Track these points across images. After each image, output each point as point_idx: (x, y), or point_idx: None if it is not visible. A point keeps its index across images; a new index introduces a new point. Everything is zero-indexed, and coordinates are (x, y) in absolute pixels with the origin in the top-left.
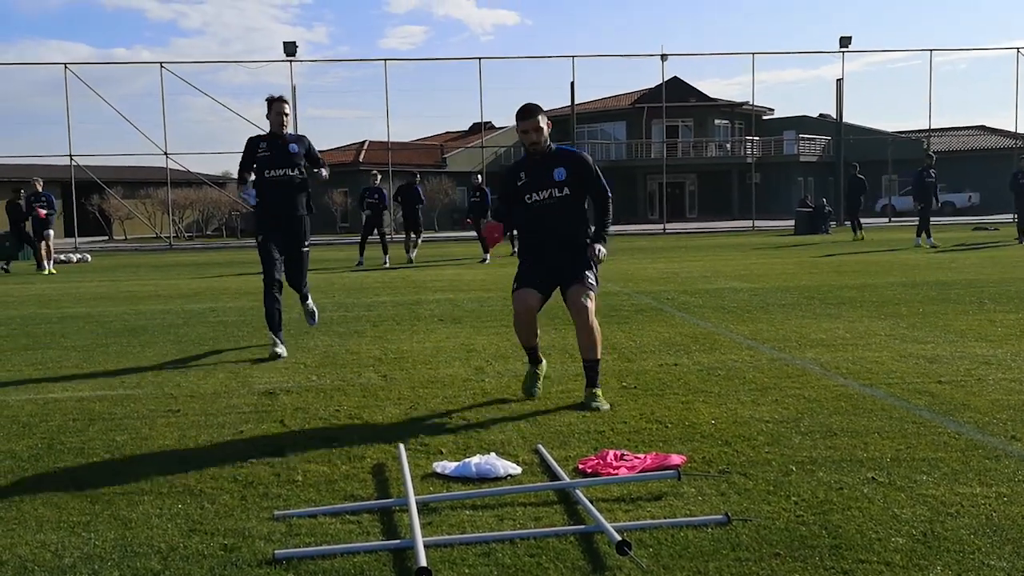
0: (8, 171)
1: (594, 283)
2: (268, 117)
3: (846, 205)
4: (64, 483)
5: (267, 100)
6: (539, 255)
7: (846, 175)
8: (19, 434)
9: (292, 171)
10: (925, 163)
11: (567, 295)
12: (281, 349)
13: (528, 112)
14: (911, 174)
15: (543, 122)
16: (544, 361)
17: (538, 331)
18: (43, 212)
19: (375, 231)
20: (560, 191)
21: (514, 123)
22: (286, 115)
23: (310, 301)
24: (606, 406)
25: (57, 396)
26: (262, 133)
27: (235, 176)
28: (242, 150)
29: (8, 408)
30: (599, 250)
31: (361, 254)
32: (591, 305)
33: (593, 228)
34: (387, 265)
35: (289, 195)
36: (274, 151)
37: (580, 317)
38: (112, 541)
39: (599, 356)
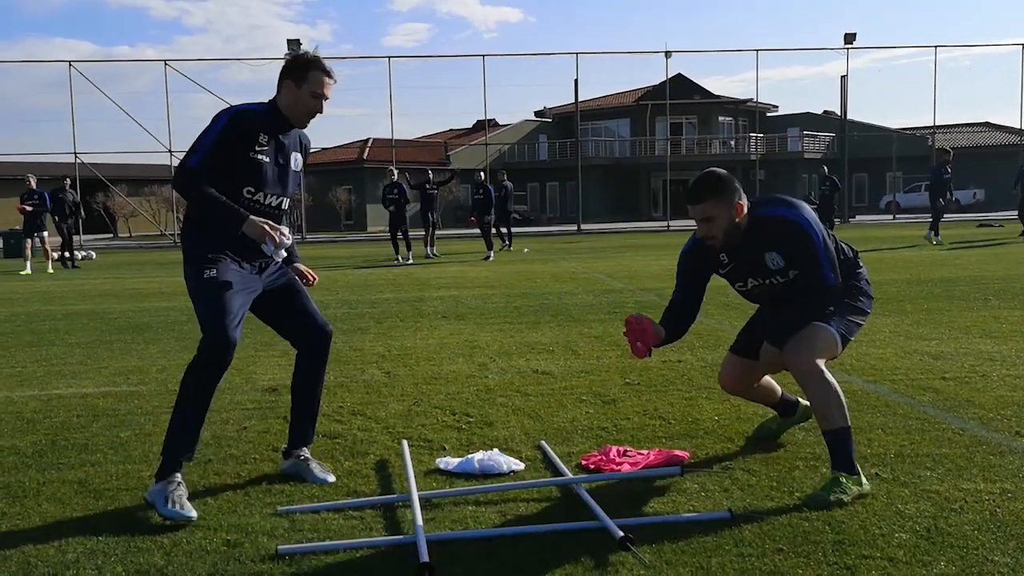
0: (13, 169)
1: (827, 327)
2: (289, 89)
3: (826, 208)
4: (68, 479)
5: (296, 60)
6: (759, 312)
7: (824, 179)
8: (23, 430)
9: (284, 199)
10: (942, 159)
11: (783, 350)
12: (190, 511)
13: (693, 194)
14: (929, 170)
15: (718, 207)
16: (800, 408)
17: (776, 389)
18: (28, 209)
19: (401, 227)
20: (783, 276)
21: (519, 120)
22: (326, 99)
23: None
24: (848, 496)
25: (61, 392)
26: (258, 109)
27: None
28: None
29: (12, 404)
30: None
31: (396, 251)
32: (809, 358)
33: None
34: (411, 261)
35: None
36: (277, 155)
37: (798, 380)
38: (116, 537)
39: (840, 423)
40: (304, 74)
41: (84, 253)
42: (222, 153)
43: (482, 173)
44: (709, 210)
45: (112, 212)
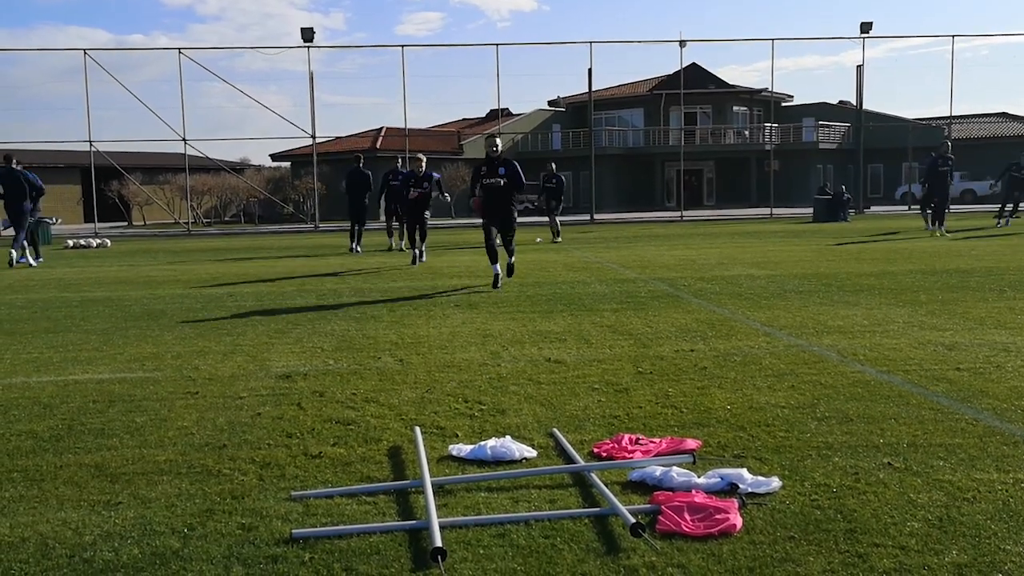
0: (29, 157)
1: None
2: None
3: (942, 187)
4: (84, 463)
5: None
6: None
7: (944, 159)
8: (40, 415)
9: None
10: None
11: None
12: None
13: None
14: (1004, 165)
15: None
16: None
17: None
18: None
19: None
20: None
21: (533, 109)
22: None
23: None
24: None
25: (77, 378)
26: None
27: (252, 162)
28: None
29: (29, 389)
30: None
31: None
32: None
33: None
34: (423, 259)
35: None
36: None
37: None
38: (132, 520)
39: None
40: None
41: (99, 241)
42: None
43: (553, 164)
44: None
45: (127, 200)
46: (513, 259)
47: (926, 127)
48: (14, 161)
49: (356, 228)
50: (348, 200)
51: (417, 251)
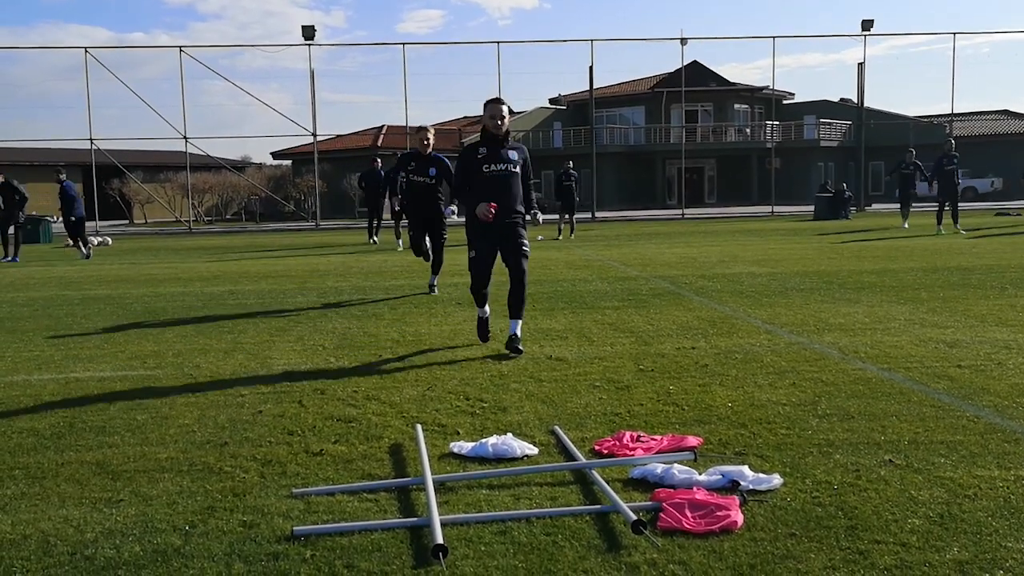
0: (30, 155)
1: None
2: None
3: (950, 185)
4: (86, 461)
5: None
6: None
7: (948, 157)
8: (42, 413)
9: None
10: None
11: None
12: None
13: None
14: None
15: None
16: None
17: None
18: None
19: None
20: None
21: (533, 107)
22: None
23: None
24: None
25: (79, 376)
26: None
27: (253, 160)
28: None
29: (31, 387)
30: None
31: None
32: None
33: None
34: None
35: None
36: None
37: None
38: (133, 517)
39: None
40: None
41: (100, 239)
42: None
43: (570, 162)
44: None
45: (128, 198)
46: (519, 327)
47: (928, 124)
48: (64, 174)
49: (375, 223)
50: (364, 197)
51: (433, 277)
